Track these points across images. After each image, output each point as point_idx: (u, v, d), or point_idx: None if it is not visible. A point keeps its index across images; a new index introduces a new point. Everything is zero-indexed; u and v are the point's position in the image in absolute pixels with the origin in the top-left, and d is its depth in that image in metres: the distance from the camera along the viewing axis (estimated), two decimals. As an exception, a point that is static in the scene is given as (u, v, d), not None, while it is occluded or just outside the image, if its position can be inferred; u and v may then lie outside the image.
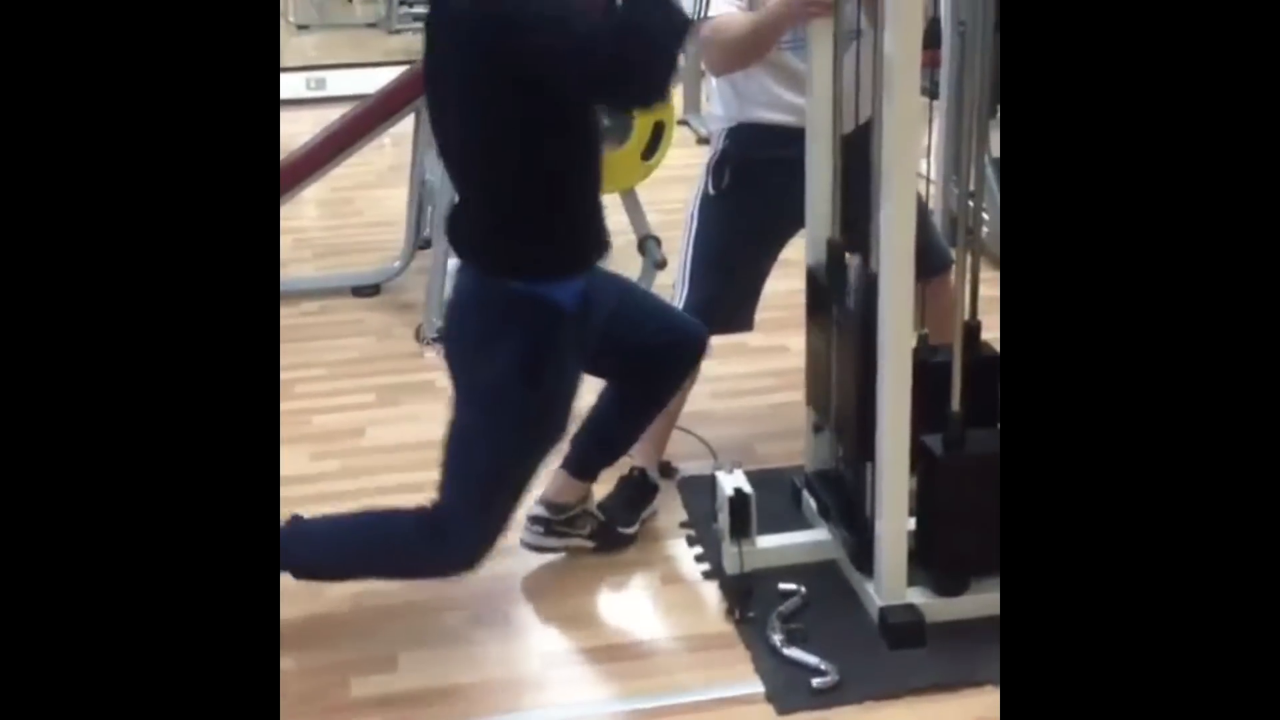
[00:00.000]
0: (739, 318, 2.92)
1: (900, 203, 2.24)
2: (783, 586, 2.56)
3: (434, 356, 3.77)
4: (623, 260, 2.50)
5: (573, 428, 2.55)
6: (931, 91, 3.27)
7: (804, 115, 2.59)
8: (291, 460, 2.97)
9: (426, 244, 4.31)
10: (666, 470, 3.03)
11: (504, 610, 2.61)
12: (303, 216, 5.23)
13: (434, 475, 2.41)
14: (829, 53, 2.49)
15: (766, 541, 2.63)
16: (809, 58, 2.54)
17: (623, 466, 2.85)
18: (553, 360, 2.32)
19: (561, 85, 2.15)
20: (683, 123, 5.94)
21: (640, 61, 2.08)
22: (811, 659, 2.36)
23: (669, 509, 2.92)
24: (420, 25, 8.76)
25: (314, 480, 3.08)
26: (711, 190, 2.85)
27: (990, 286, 2.47)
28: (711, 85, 2.92)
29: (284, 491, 1.76)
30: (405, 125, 4.37)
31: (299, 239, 4.95)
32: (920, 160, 2.44)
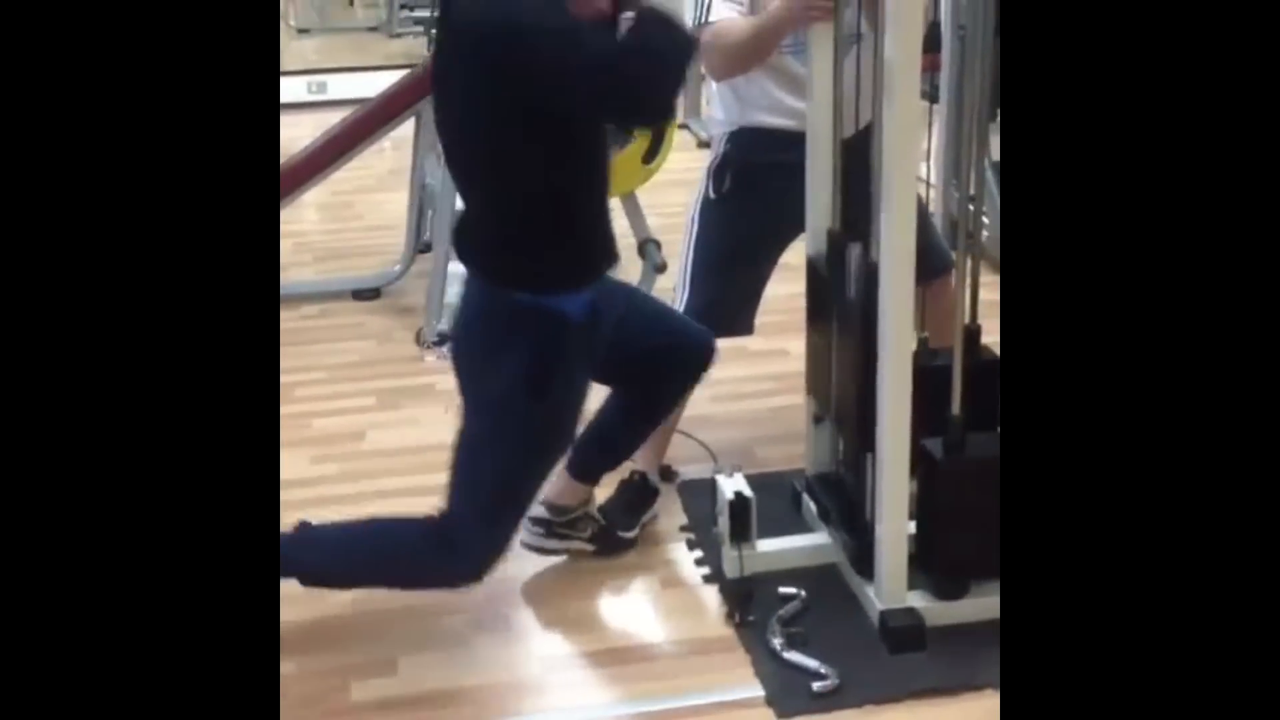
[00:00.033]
0: (739, 321, 2.91)
1: (900, 207, 2.24)
2: (783, 590, 2.56)
3: (434, 360, 3.78)
4: (623, 264, 2.50)
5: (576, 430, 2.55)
6: (931, 95, 3.28)
7: (805, 119, 2.59)
8: (292, 464, 2.97)
9: (427, 248, 4.31)
10: (667, 474, 3.03)
11: (504, 614, 2.61)
12: (303, 220, 5.23)
13: (435, 479, 2.41)
14: (829, 57, 2.49)
15: (766, 545, 2.63)
16: (809, 62, 2.54)
17: (623, 470, 2.85)
18: (560, 371, 2.32)
19: (569, 103, 2.14)
20: (683, 127, 5.94)
21: (647, 80, 2.08)
22: (812, 663, 2.36)
23: (669, 513, 2.93)
24: (421, 30, 8.74)
25: (314, 484, 3.08)
26: (712, 194, 2.85)
27: (990, 290, 2.47)
28: (712, 89, 2.92)
29: (284, 495, 1.76)
30: (406, 129, 4.37)
31: (299, 242, 4.95)
32: (920, 164, 2.44)
